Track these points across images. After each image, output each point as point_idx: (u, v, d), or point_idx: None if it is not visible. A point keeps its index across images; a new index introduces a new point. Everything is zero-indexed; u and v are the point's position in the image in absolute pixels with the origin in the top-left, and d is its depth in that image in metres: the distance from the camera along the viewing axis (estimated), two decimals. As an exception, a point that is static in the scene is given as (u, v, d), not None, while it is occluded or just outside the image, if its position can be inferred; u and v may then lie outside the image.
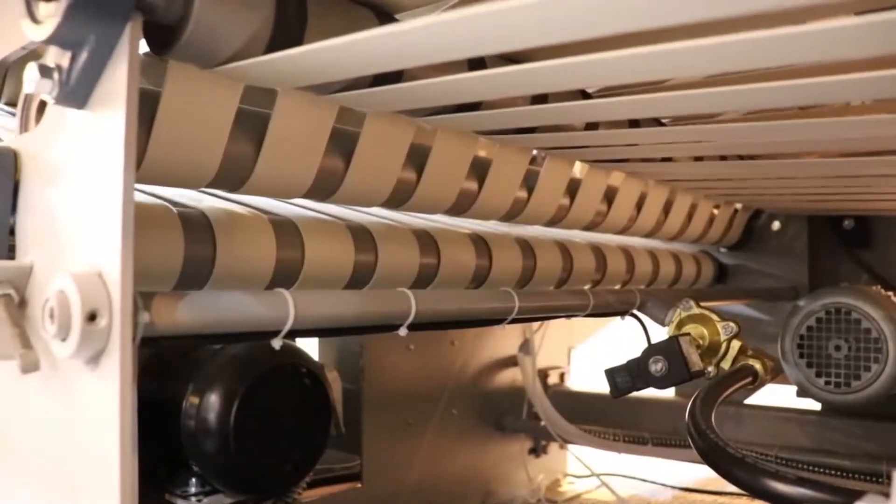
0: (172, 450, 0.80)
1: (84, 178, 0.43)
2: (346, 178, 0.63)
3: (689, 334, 0.79)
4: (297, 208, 0.76)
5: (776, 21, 0.37)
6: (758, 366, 0.77)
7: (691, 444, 0.58)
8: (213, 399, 0.78)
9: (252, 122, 0.55)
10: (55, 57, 0.43)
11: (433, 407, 1.28)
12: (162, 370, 0.84)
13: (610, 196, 0.99)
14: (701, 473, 1.45)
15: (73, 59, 0.41)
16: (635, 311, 0.88)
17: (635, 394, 0.78)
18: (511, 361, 1.44)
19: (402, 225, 0.78)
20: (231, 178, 0.55)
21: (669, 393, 1.37)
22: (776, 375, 0.82)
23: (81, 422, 0.43)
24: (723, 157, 0.89)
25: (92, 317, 0.40)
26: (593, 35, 0.38)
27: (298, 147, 0.57)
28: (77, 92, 0.42)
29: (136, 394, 0.41)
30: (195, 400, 0.78)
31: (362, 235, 0.71)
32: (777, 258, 1.35)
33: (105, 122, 0.42)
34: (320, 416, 0.86)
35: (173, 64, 0.47)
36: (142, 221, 0.44)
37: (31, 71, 0.42)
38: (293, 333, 0.53)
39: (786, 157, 0.84)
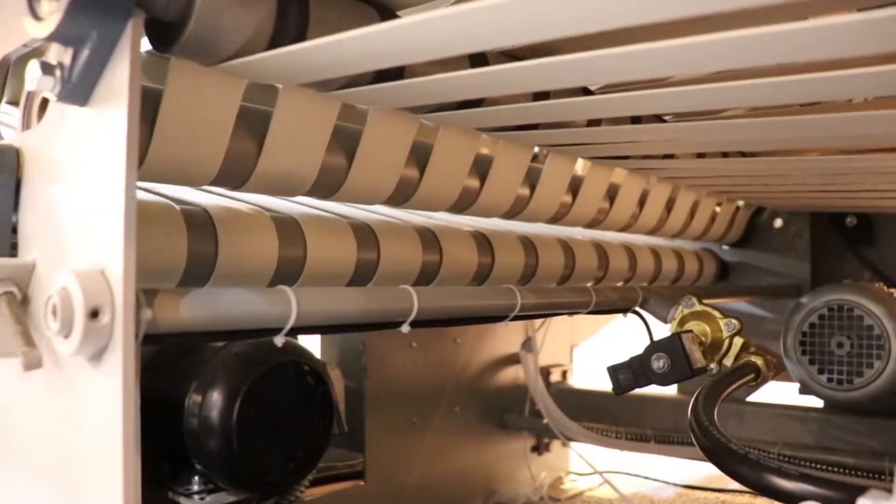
0: (175, 447, 0.80)
1: (86, 176, 0.43)
2: (349, 176, 0.63)
3: (691, 331, 0.79)
4: (299, 206, 0.76)
5: (778, 18, 0.37)
6: (760, 363, 0.77)
7: (694, 440, 0.58)
8: (216, 397, 0.78)
9: (254, 120, 0.55)
10: (57, 54, 0.43)
11: (436, 405, 1.29)
12: (164, 367, 0.84)
13: (612, 193, 0.99)
14: (704, 471, 1.45)
15: (74, 57, 0.41)
16: (637, 308, 0.87)
17: (638, 391, 0.78)
18: (513, 359, 1.44)
19: (404, 222, 0.78)
20: (233, 175, 0.55)
21: (672, 390, 1.37)
22: (778, 372, 0.81)
23: (84, 419, 0.43)
24: (725, 154, 0.89)
25: (94, 314, 0.40)
26: (595, 30, 0.38)
27: (301, 144, 0.57)
28: (79, 89, 0.42)
29: (138, 391, 0.41)
30: (198, 398, 0.79)
31: (364, 233, 0.71)
32: (779, 255, 1.35)
33: (107, 120, 0.42)
34: (323, 414, 0.86)
35: (175, 61, 0.47)
36: (144, 219, 0.44)
37: (33, 68, 0.42)
38: (295, 331, 0.53)
39: (788, 154, 0.84)
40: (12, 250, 0.49)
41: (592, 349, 1.63)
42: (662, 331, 0.82)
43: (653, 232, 1.13)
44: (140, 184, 0.51)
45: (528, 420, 1.44)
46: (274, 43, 0.46)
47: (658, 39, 0.39)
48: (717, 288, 1.34)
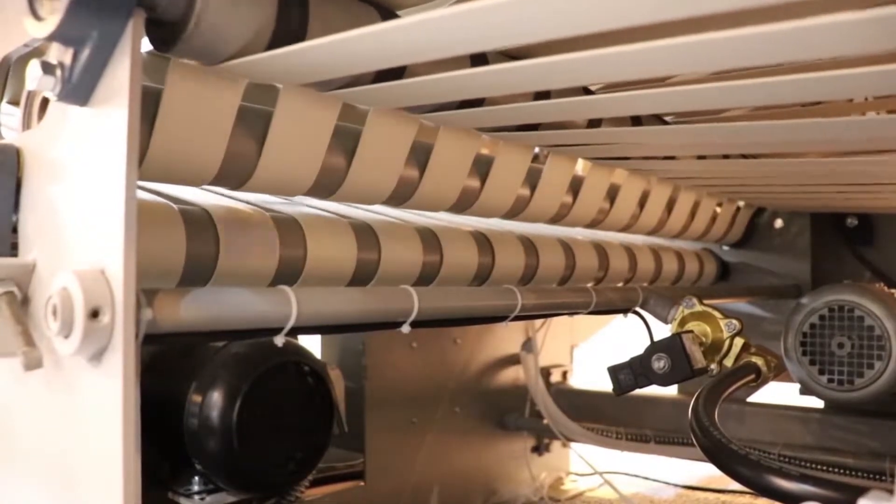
0: (175, 448, 0.80)
1: (86, 176, 0.43)
2: (349, 176, 0.63)
3: (692, 331, 0.79)
4: (299, 206, 0.76)
5: (778, 17, 0.37)
6: (761, 363, 0.77)
7: (694, 441, 0.58)
8: (216, 397, 0.78)
9: (254, 119, 0.55)
10: (58, 54, 0.43)
11: (436, 405, 1.28)
12: (165, 368, 0.84)
13: (612, 194, 0.99)
14: (704, 471, 1.45)
15: (75, 56, 0.41)
16: (638, 309, 0.87)
17: (638, 391, 0.78)
18: (514, 359, 1.44)
19: (404, 222, 0.78)
20: (233, 175, 0.55)
21: (672, 390, 1.37)
22: (779, 373, 0.81)
23: (84, 419, 0.43)
24: (725, 156, 0.89)
25: (95, 314, 0.40)
26: (597, 29, 0.38)
27: (301, 144, 0.57)
28: (79, 89, 0.42)
29: (138, 391, 0.41)
30: (198, 398, 0.79)
31: (365, 233, 0.71)
32: (780, 256, 1.35)
33: (107, 120, 0.42)
34: (323, 415, 0.86)
35: (175, 61, 0.47)
36: (144, 218, 0.44)
37: (33, 68, 0.42)
38: (296, 331, 0.53)
39: (789, 156, 0.84)
40: (12, 250, 0.49)
41: (592, 349, 1.63)
42: (663, 331, 0.82)
43: (653, 232, 1.13)
44: (140, 183, 0.51)
45: (528, 420, 1.44)
46: (274, 43, 0.46)
47: (658, 39, 0.39)
48: (717, 288, 1.34)
